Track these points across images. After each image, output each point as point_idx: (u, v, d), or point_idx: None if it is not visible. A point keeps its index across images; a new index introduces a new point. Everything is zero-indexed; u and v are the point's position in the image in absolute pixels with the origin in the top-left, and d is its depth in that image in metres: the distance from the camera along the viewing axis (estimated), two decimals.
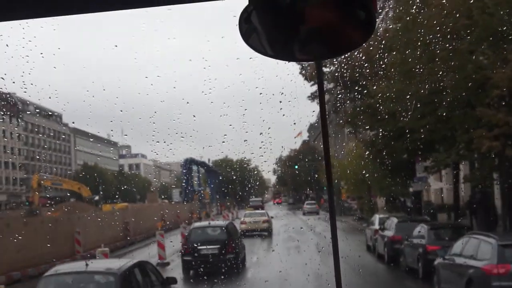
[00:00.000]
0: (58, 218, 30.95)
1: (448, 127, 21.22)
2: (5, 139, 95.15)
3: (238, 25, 2.27)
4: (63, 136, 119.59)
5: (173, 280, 13.64)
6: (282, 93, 18.92)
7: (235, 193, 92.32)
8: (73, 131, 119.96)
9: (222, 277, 19.67)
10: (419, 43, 19.43)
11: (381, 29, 24.15)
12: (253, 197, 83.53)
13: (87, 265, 11.47)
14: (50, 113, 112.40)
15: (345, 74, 26.36)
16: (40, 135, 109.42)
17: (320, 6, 2.23)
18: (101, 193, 76.71)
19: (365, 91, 24.29)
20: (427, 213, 31.63)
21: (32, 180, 57.04)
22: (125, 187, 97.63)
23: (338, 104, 31.24)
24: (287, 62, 3.51)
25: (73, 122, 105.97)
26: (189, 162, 67.80)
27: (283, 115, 19.13)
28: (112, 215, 40.12)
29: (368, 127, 26.75)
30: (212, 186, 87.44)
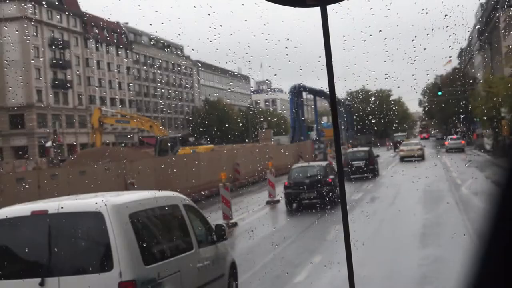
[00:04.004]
0: None
1: None
2: (110, 72, 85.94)
3: None
4: (185, 70, 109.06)
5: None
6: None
7: (372, 129, 77.83)
8: (196, 64, 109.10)
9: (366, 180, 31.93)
10: None
11: None
12: (398, 133, 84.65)
13: (308, 163, 27.61)
14: (168, 44, 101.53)
15: None
16: (156, 69, 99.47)
17: None
18: (203, 129, 64.51)
19: None
20: None
21: (92, 117, 45.38)
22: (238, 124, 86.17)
23: None
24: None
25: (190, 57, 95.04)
26: (298, 91, 52.85)
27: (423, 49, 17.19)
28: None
29: None
30: (339, 121, 72.70)
